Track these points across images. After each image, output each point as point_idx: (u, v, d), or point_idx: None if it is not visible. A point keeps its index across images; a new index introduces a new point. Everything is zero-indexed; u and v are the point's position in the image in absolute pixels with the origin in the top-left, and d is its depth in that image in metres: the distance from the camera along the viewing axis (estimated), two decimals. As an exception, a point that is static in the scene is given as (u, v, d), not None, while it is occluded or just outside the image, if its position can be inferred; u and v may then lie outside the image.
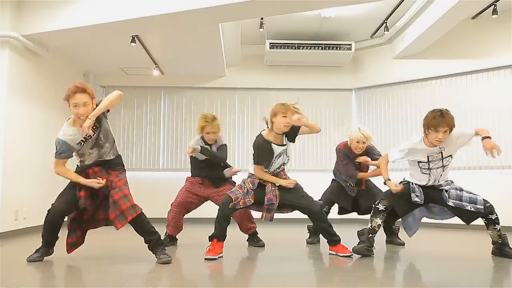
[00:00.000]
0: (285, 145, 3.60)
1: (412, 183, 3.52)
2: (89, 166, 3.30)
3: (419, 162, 3.46)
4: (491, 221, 3.37)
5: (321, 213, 3.54)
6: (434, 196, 3.48)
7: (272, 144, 3.53)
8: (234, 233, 5.22)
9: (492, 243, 3.51)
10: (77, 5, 4.86)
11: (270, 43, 6.77)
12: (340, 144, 4.47)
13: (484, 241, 4.89)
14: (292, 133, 3.61)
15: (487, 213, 3.34)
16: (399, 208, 3.52)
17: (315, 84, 7.48)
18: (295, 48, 6.80)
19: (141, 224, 3.21)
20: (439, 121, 3.21)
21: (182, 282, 2.76)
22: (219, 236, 3.50)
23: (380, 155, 4.23)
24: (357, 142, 4.31)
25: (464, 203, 3.35)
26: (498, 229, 3.38)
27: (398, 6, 5.88)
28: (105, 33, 5.15)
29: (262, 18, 6.08)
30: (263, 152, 3.50)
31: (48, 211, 3.28)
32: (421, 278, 2.81)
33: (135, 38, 5.64)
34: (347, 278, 2.84)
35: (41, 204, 4.42)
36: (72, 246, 3.41)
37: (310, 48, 6.80)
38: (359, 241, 3.67)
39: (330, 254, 3.59)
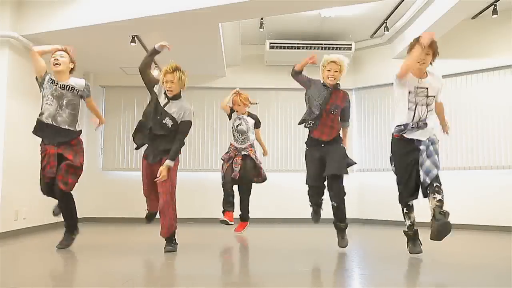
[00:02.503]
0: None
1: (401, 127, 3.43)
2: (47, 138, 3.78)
3: (408, 92, 3.42)
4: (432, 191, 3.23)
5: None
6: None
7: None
8: (235, 233, 5.23)
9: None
10: (77, 5, 4.87)
11: (270, 43, 6.77)
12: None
13: (484, 241, 4.89)
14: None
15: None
16: (408, 191, 3.42)
17: (315, 84, 7.47)
18: (295, 48, 6.80)
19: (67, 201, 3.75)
20: (416, 41, 3.33)
21: (182, 282, 2.76)
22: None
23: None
24: (328, 70, 3.91)
25: (422, 168, 3.27)
26: (438, 199, 3.18)
27: (398, 6, 5.88)
28: (105, 33, 5.15)
29: (262, 18, 6.08)
30: None
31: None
32: (421, 278, 2.81)
33: (135, 38, 5.64)
34: (347, 278, 2.84)
35: (41, 204, 4.42)
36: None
37: (310, 48, 6.80)
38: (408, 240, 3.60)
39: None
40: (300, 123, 4.00)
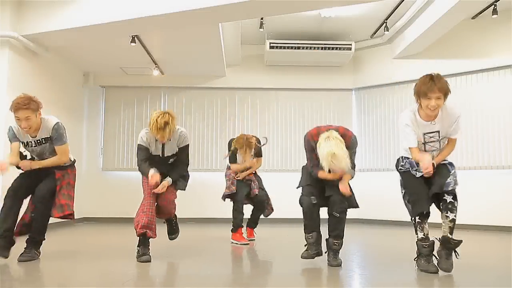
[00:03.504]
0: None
1: (404, 164, 3.14)
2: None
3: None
4: (446, 205, 2.94)
5: None
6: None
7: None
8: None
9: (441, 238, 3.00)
10: (77, 5, 4.86)
11: (270, 43, 6.77)
12: (312, 132, 3.33)
13: (484, 241, 4.89)
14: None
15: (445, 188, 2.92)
16: (421, 202, 2.99)
17: (315, 84, 7.48)
18: (295, 48, 6.80)
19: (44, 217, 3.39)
20: (429, 86, 2.83)
21: (182, 282, 2.76)
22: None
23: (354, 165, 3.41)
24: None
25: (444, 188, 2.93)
26: (451, 218, 2.90)
27: (398, 6, 5.88)
28: (105, 33, 5.15)
29: (262, 18, 6.08)
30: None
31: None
32: (422, 278, 2.81)
33: (135, 38, 5.64)
34: (347, 278, 2.84)
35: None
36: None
37: (310, 48, 6.80)
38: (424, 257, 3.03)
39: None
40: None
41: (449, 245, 2.87)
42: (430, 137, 3.03)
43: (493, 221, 5.81)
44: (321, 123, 7.40)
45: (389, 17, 6.24)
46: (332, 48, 6.82)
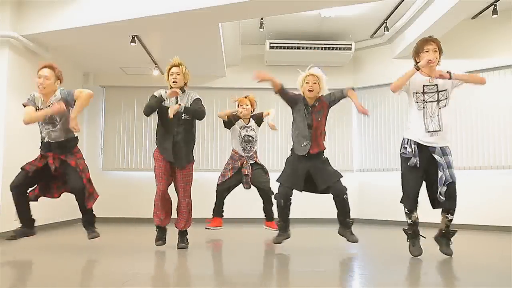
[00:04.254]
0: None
1: (407, 147, 3.40)
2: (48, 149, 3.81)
3: (414, 94, 3.43)
4: (446, 210, 3.38)
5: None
6: (428, 168, 3.40)
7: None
8: (236, 233, 5.22)
9: (438, 228, 3.51)
10: (77, 5, 4.86)
11: (270, 43, 6.77)
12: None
13: (484, 241, 4.89)
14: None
15: (450, 207, 3.34)
16: (407, 204, 3.45)
17: (315, 84, 7.47)
18: (295, 48, 6.80)
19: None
20: (424, 41, 3.41)
21: (182, 282, 2.76)
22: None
23: (342, 92, 4.04)
24: (307, 82, 4.05)
25: (442, 182, 3.30)
26: (449, 218, 3.38)
27: (398, 6, 5.88)
28: (105, 33, 5.15)
29: (262, 18, 6.08)
30: None
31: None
32: (422, 278, 2.81)
33: (135, 38, 5.64)
34: (346, 278, 2.84)
35: (41, 204, 4.41)
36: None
37: (310, 48, 6.80)
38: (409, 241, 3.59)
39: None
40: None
41: (448, 235, 3.41)
42: (429, 88, 3.41)
43: (493, 221, 5.80)
44: (321, 123, 7.42)
45: (389, 17, 6.24)
46: (332, 48, 6.82)
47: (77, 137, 3.93)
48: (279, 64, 7.42)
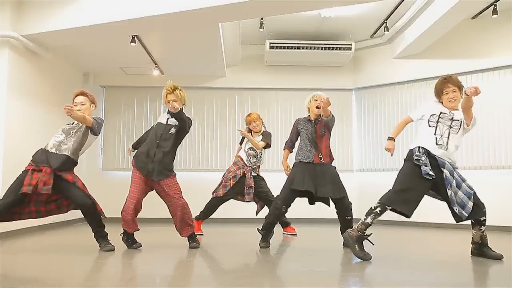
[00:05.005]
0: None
1: (421, 154, 3.36)
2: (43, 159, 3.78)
3: (431, 115, 3.49)
4: (479, 222, 3.41)
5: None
6: (437, 182, 3.36)
7: None
8: (237, 235, 5.21)
9: (471, 242, 3.54)
10: (77, 5, 4.86)
11: (270, 43, 6.77)
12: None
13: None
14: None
15: (479, 215, 3.35)
16: (406, 208, 3.35)
17: (315, 84, 7.47)
18: (295, 48, 6.80)
19: (93, 214, 3.85)
20: (443, 83, 3.48)
21: (183, 281, 2.76)
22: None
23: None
24: (315, 100, 4.24)
25: (454, 202, 3.28)
26: (482, 230, 3.43)
27: (398, 6, 5.88)
28: (105, 33, 5.14)
29: (262, 18, 6.08)
30: None
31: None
32: (421, 278, 2.81)
33: (135, 38, 5.64)
34: (346, 278, 2.84)
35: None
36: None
37: (310, 48, 6.80)
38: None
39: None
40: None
41: (485, 241, 3.46)
42: (445, 115, 3.47)
43: (493, 221, 5.76)
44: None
45: (389, 17, 6.24)
46: (332, 48, 6.82)
47: (77, 162, 3.94)
48: (279, 64, 7.43)
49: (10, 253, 3.77)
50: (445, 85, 3.48)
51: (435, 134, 3.42)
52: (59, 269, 3.15)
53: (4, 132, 4.87)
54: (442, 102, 3.53)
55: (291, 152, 4.48)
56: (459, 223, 3.39)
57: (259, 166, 5.24)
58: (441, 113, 3.48)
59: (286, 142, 4.48)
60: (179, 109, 3.86)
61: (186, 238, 4.09)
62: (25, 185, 3.62)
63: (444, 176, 3.31)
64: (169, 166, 3.99)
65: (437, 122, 3.45)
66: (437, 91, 3.54)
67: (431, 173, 3.28)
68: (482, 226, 3.42)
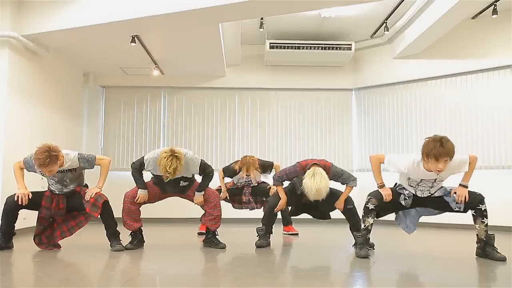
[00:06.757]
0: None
1: (402, 188, 3.50)
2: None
3: (409, 179, 3.39)
4: (480, 213, 3.33)
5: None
6: (421, 201, 3.48)
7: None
8: (237, 234, 5.21)
9: (476, 242, 3.43)
10: (77, 5, 4.86)
11: (270, 43, 6.77)
12: (302, 163, 3.94)
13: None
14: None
15: (476, 203, 3.34)
16: (382, 208, 3.51)
17: (315, 84, 7.48)
18: (295, 48, 6.80)
19: (108, 211, 3.91)
20: (439, 151, 3.00)
21: (183, 281, 2.76)
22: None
23: (351, 179, 3.98)
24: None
25: (448, 199, 3.39)
26: (485, 223, 3.33)
27: (398, 6, 5.88)
28: (105, 33, 5.15)
29: (262, 18, 6.08)
30: None
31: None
32: (421, 278, 2.81)
33: (135, 38, 5.64)
34: (345, 277, 2.84)
35: (41, 204, 4.41)
36: (38, 238, 3.85)
37: (310, 48, 6.80)
38: (356, 243, 3.63)
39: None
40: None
41: (490, 240, 3.35)
42: (427, 180, 3.31)
43: (493, 221, 5.76)
44: (321, 123, 7.44)
45: (389, 17, 6.24)
46: (332, 48, 6.82)
47: (86, 184, 4.07)
48: (279, 64, 7.44)
49: (10, 253, 3.77)
50: (440, 154, 3.01)
51: (415, 192, 3.45)
52: (58, 269, 3.15)
53: (4, 132, 4.87)
54: (424, 163, 3.17)
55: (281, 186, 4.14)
56: (462, 215, 3.49)
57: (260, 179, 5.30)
58: (422, 180, 3.33)
59: (278, 176, 4.05)
60: (203, 202, 4.09)
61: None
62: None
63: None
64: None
65: (418, 184, 3.38)
66: (429, 155, 3.05)
67: (403, 203, 3.45)
68: (485, 218, 3.31)
